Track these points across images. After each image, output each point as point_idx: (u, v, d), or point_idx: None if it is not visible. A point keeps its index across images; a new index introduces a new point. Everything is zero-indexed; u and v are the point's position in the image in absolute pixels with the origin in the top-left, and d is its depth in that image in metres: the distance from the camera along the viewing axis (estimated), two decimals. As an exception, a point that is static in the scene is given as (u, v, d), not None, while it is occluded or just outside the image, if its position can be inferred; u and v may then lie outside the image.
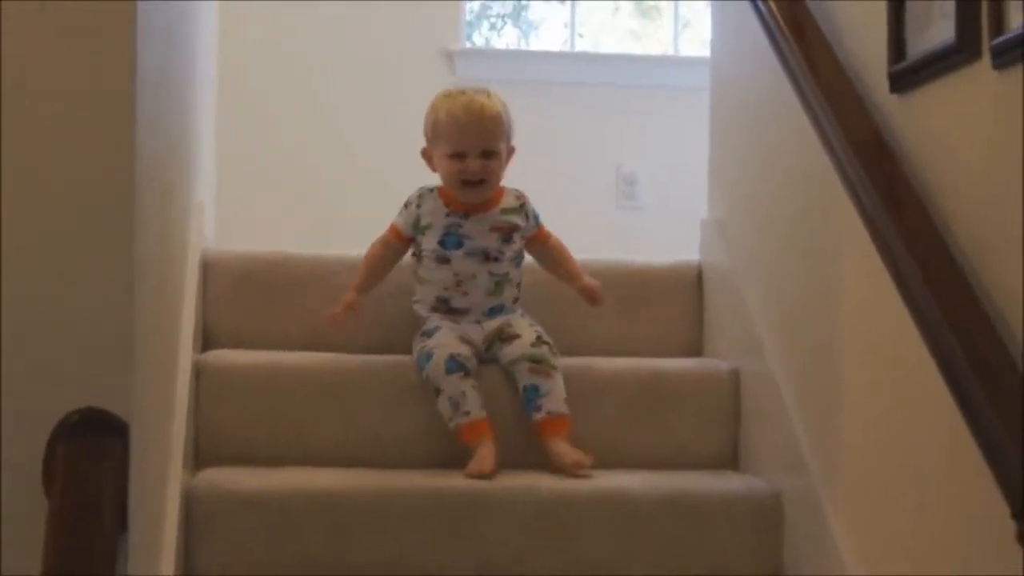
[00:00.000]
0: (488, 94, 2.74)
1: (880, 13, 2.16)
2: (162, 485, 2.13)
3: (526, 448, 2.65)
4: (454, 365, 2.60)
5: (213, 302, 2.93)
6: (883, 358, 2.16)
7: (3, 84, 1.58)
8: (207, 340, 2.89)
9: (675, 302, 3.11)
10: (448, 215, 2.73)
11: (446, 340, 2.65)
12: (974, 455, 1.69)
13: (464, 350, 2.64)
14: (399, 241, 2.79)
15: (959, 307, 1.81)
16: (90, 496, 1.49)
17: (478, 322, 2.73)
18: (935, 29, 1.97)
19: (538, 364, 2.64)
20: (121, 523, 1.56)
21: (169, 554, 2.13)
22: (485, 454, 2.54)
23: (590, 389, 2.72)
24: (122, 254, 1.62)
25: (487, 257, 2.73)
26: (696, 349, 3.08)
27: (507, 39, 5.54)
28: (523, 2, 5.50)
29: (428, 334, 2.69)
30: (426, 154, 2.78)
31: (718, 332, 3.02)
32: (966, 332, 1.77)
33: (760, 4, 2.58)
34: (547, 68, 4.79)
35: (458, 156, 2.70)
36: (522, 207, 2.80)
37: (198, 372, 2.65)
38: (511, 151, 2.78)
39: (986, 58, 1.82)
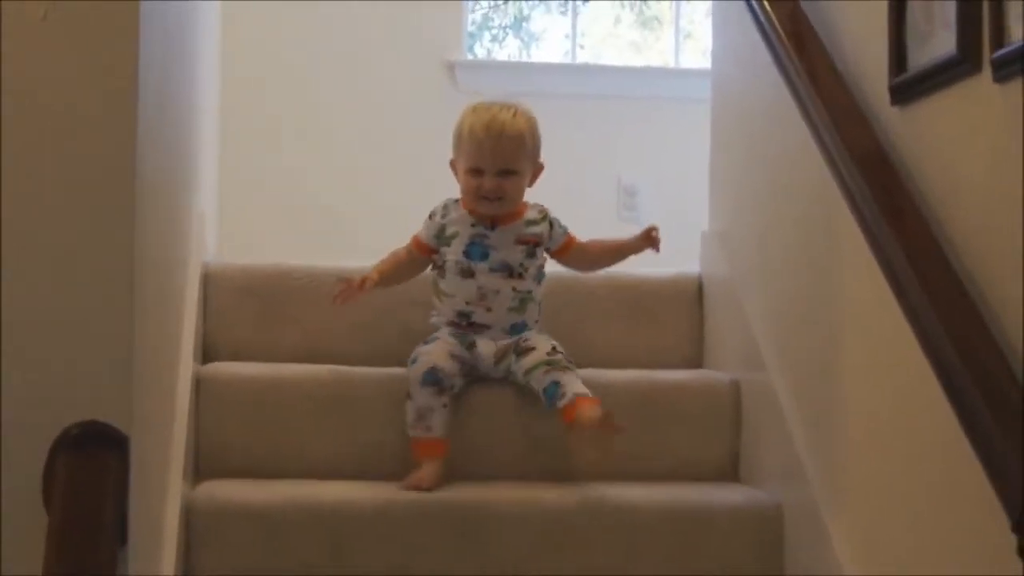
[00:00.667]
0: (515, 112, 2.72)
1: (881, 25, 2.16)
2: (162, 497, 2.13)
3: (525, 461, 2.65)
4: (431, 378, 2.58)
5: (214, 314, 2.93)
6: (883, 369, 2.16)
7: (3, 92, 1.58)
8: (208, 352, 2.89)
9: (676, 314, 3.11)
10: (474, 225, 2.73)
11: (436, 351, 2.64)
12: (974, 466, 1.69)
13: (449, 366, 2.62)
14: (421, 252, 2.79)
15: (959, 318, 1.81)
16: (90, 509, 1.49)
17: (494, 339, 2.71)
18: (936, 41, 1.97)
19: (554, 365, 2.63)
20: (121, 536, 1.56)
21: (169, 566, 2.12)
22: (431, 471, 2.53)
23: (590, 400, 2.72)
24: (122, 266, 1.62)
25: (511, 273, 2.72)
26: (696, 361, 3.08)
27: (508, 50, 5.54)
28: (525, 13, 5.51)
29: (427, 341, 2.69)
30: (453, 165, 2.78)
31: (718, 344, 3.02)
32: (966, 343, 1.77)
33: (761, 16, 2.59)
34: (548, 79, 4.79)
35: (476, 172, 2.70)
36: (544, 218, 2.79)
37: (199, 384, 2.65)
38: (539, 168, 2.77)
39: (987, 71, 1.82)
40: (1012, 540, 1.56)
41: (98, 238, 1.61)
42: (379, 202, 4.40)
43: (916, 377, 1.93)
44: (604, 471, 2.59)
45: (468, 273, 2.71)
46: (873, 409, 2.21)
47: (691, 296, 3.13)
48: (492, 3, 5.46)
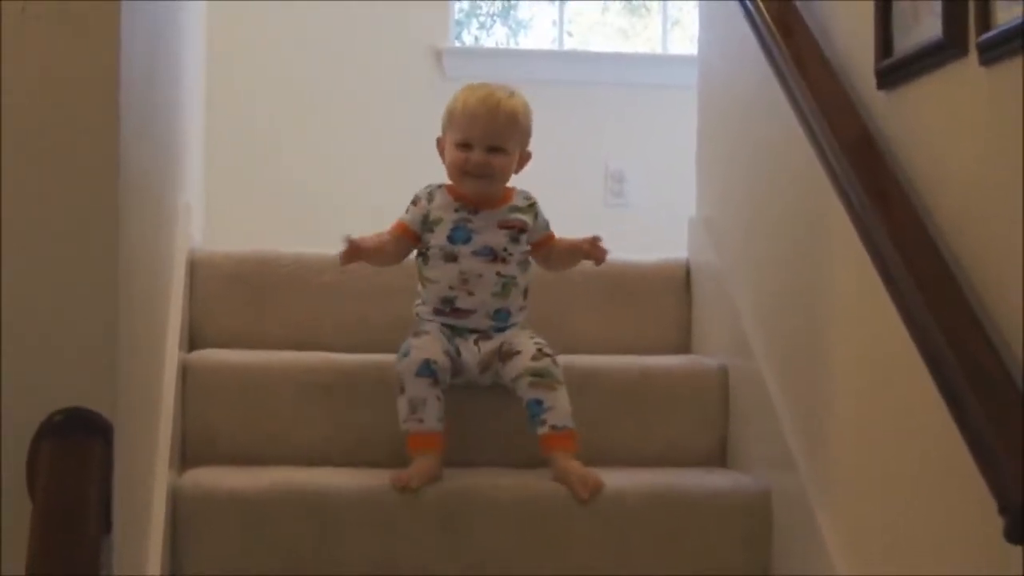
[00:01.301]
0: (511, 93, 2.71)
1: (868, 10, 2.16)
2: (148, 485, 2.13)
3: (510, 448, 2.65)
4: (426, 371, 2.55)
5: (200, 302, 2.92)
6: (871, 355, 2.16)
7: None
8: (194, 340, 2.88)
9: (663, 300, 3.11)
10: (458, 209, 2.71)
11: (429, 344, 2.60)
12: (961, 451, 1.69)
13: (443, 361, 2.59)
14: (407, 236, 2.75)
15: (946, 303, 1.81)
16: (74, 496, 1.48)
17: (476, 342, 2.67)
18: (922, 26, 1.97)
19: (540, 378, 2.59)
20: (106, 523, 1.55)
21: (156, 553, 2.12)
22: (423, 467, 2.49)
23: (577, 385, 2.70)
24: (107, 254, 1.62)
25: (495, 257, 2.69)
26: (684, 346, 3.08)
27: (496, 38, 5.54)
28: (512, 1, 5.50)
29: (417, 334, 2.66)
30: (440, 144, 2.76)
31: (706, 329, 3.02)
32: (953, 329, 1.77)
33: (748, 2, 2.58)
34: (536, 66, 4.78)
35: (465, 146, 2.68)
36: (531, 207, 2.77)
37: (185, 371, 2.64)
38: (526, 156, 2.75)
39: (973, 54, 1.82)
40: (999, 524, 1.56)
41: (83, 227, 1.60)
42: (367, 189, 4.39)
43: (903, 363, 1.93)
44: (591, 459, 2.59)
45: (451, 257, 2.68)
46: (861, 395, 2.21)
47: (678, 282, 3.12)
48: (479, -10, 5.46)
